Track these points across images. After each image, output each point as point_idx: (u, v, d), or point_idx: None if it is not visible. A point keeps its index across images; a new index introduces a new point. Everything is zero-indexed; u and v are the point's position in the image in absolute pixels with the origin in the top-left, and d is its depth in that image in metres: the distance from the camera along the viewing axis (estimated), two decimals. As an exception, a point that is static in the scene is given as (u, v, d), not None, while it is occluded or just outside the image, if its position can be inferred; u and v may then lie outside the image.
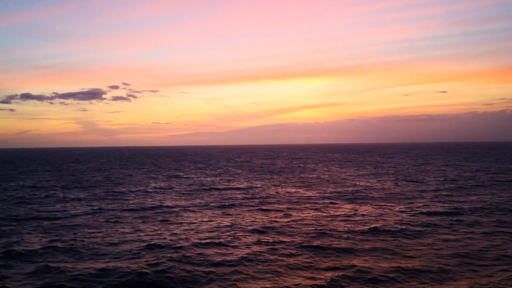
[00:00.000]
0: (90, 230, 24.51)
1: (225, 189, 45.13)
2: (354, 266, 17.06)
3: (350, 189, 43.14)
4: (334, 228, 24.18)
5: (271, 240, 21.41)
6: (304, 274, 16.27)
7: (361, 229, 23.81)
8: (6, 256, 18.99)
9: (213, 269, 16.91)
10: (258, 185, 48.20)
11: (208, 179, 58.10)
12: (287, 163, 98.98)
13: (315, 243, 20.68)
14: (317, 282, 15.29)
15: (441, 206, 31.00)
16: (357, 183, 49.29)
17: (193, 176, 64.00)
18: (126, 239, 22.30)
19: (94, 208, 32.59)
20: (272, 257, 18.50)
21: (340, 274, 16.04)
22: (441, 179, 52.06)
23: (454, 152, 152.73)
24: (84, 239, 22.20)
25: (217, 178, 58.75)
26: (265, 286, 15.03)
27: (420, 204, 32.24)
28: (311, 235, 22.47)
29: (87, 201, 36.85)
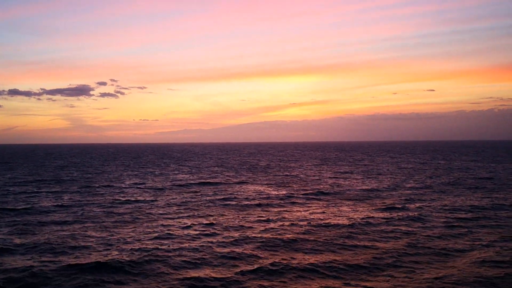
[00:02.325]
0: (58, 227, 24.89)
1: (198, 185, 45.60)
2: (294, 258, 17.67)
3: (319, 187, 43.86)
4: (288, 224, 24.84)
5: (222, 235, 21.97)
6: (246, 267, 16.86)
7: (316, 223, 24.51)
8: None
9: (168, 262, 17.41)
10: (231, 182, 48.73)
11: (183, 176, 58.47)
12: (268, 161, 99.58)
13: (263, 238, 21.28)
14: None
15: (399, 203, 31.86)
16: (329, 181, 50.06)
17: (169, 173, 64.33)
18: (92, 235, 22.73)
19: (64, 203, 32.89)
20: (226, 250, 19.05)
21: (287, 266, 16.66)
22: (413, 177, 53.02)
23: (436, 151, 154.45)
24: (51, 236, 22.59)
25: (193, 176, 59.13)
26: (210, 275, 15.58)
27: (380, 202, 33.03)
28: (262, 231, 23.08)
29: (59, 196, 37.10)
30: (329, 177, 54.86)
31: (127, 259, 17.81)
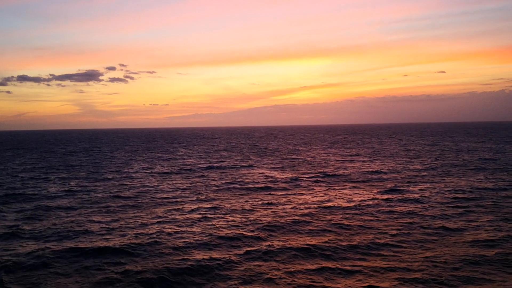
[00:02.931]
0: (64, 212, 25.47)
1: (205, 170, 46.06)
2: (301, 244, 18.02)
3: (325, 169, 44.10)
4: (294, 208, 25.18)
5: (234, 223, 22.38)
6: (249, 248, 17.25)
7: (319, 205, 24.84)
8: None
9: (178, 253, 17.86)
10: (238, 166, 49.10)
11: (191, 160, 58.97)
12: (277, 145, 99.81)
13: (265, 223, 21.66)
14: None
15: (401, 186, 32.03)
16: (335, 164, 50.24)
17: (178, 158, 64.88)
18: (97, 220, 23.28)
19: (72, 189, 33.51)
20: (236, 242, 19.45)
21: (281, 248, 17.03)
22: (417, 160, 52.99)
23: (446, 133, 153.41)
24: (57, 221, 23.19)
25: (201, 160, 59.61)
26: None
27: (389, 186, 33.23)
28: (266, 216, 23.45)
29: (66, 182, 37.75)
30: (336, 160, 55.01)
31: (130, 242, 18.28)
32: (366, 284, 13.70)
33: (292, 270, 15.05)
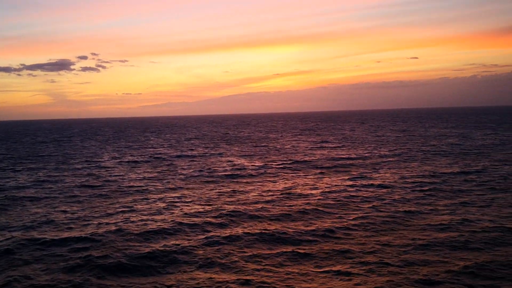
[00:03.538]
0: (31, 203, 25.45)
1: (174, 158, 46.23)
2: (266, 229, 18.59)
3: (293, 157, 44.84)
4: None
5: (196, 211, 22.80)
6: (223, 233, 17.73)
7: (278, 195, 25.48)
8: None
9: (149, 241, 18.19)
10: (207, 154, 49.42)
11: (161, 149, 58.96)
12: (248, 133, 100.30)
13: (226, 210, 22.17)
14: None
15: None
16: (305, 151, 51.05)
17: (148, 147, 64.73)
18: (64, 210, 23.38)
19: (40, 180, 33.31)
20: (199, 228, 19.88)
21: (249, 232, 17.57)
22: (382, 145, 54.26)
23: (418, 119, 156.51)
24: (24, 212, 23.21)
25: (171, 149, 59.66)
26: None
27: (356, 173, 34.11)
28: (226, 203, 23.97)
29: (34, 173, 37.44)
30: (305, 147, 55.83)
31: (94, 231, 18.53)
32: (321, 268, 14.35)
33: (250, 254, 15.61)
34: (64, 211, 22.72)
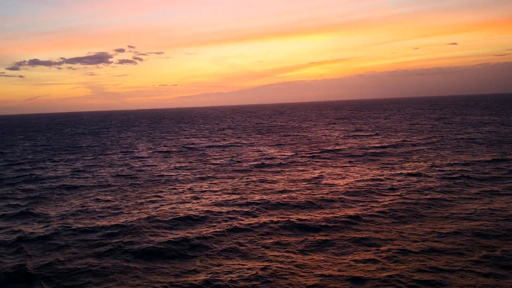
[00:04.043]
0: (68, 192, 26.66)
1: (206, 148, 47.00)
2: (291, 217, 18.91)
3: (325, 146, 44.79)
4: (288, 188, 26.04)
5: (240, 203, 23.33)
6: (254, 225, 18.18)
7: (310, 184, 25.65)
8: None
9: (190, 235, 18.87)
10: (239, 144, 49.95)
11: (194, 139, 59.94)
12: (282, 123, 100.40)
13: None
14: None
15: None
16: (337, 140, 50.86)
17: (181, 137, 65.90)
18: (99, 199, 24.39)
19: (78, 170, 34.68)
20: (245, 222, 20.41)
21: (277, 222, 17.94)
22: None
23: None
24: (62, 201, 24.37)
25: (204, 139, 60.55)
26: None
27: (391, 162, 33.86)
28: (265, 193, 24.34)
29: (72, 163, 38.95)
30: (337, 136, 55.59)
31: (126, 220, 19.31)
32: (344, 256, 14.56)
33: (272, 241, 15.96)
34: (98, 200, 23.69)
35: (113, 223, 18.77)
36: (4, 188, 28.36)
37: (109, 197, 24.29)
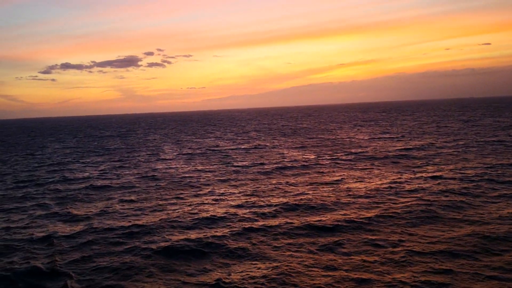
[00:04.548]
0: (94, 192, 27.58)
1: (230, 151, 47.53)
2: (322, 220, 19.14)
3: (349, 149, 44.69)
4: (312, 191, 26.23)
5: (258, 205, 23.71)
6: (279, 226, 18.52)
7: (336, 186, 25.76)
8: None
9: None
10: (263, 146, 50.29)
11: (219, 142, 60.60)
12: (308, 125, 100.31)
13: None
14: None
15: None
16: (361, 143, 50.62)
17: (206, 140, 66.69)
18: (123, 199, 25.16)
19: (104, 172, 35.71)
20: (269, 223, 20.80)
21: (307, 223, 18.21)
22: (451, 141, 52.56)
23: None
24: (88, 203, 25.25)
25: (229, 142, 61.15)
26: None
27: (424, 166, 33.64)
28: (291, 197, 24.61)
29: (99, 165, 40.07)
30: (362, 139, 55.31)
31: (148, 220, 19.91)
32: (356, 256, 14.72)
33: (286, 242, 16.26)
34: (122, 200, 24.44)
35: (135, 223, 19.40)
36: (34, 188, 29.54)
37: (132, 198, 24.99)
